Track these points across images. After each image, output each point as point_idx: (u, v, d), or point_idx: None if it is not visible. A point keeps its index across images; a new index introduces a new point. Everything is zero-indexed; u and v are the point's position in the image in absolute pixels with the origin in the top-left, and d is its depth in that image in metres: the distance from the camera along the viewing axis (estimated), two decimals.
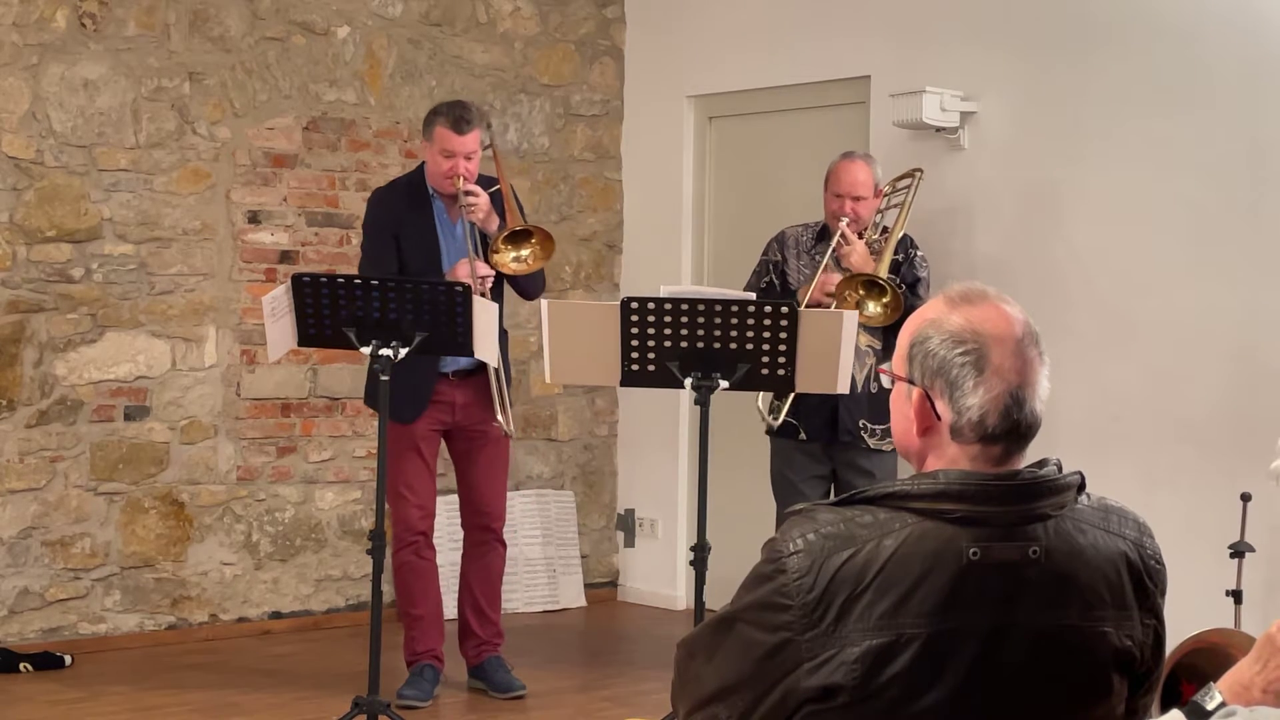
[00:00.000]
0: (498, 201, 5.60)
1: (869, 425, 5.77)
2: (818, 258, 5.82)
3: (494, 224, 5.56)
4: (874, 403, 5.72)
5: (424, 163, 5.71)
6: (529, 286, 5.74)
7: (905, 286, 5.77)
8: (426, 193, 5.67)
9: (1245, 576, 4.91)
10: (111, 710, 5.56)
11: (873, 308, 5.52)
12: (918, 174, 6.09)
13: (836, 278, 5.65)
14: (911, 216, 6.52)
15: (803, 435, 5.79)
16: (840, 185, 5.78)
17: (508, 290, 5.75)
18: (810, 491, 5.79)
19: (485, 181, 5.63)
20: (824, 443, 5.81)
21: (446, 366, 5.59)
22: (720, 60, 7.38)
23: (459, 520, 5.97)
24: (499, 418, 5.59)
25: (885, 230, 5.90)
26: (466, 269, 5.48)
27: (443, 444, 5.79)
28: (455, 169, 5.52)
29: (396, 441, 5.58)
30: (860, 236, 5.78)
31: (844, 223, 5.72)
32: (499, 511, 5.81)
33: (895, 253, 5.78)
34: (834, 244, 5.73)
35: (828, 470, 5.86)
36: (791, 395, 5.66)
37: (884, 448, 5.80)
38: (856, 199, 5.75)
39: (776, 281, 5.87)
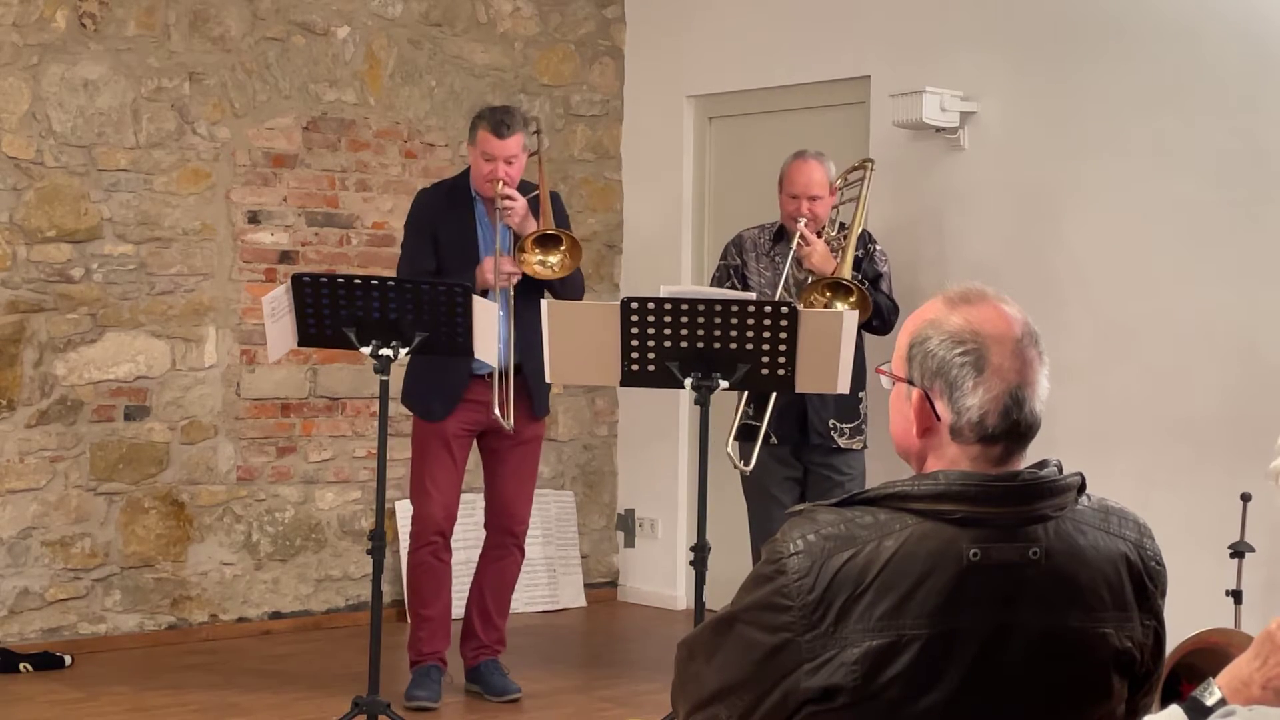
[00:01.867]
0: (535, 207, 5.62)
1: (838, 425, 5.76)
2: (777, 259, 5.80)
3: (529, 228, 5.58)
4: (842, 403, 5.71)
5: (469, 168, 5.74)
6: (564, 292, 5.71)
7: (868, 283, 5.76)
8: (469, 194, 5.71)
9: (1245, 576, 4.91)
10: (111, 710, 5.56)
11: (840, 309, 5.51)
12: (869, 164, 6.03)
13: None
14: (911, 217, 6.52)
15: (774, 440, 5.76)
16: (795, 186, 5.74)
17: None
18: (782, 494, 5.78)
19: (526, 188, 5.66)
20: (794, 445, 5.80)
21: (481, 369, 5.57)
22: (720, 60, 7.38)
23: (475, 520, 5.97)
24: (495, 411, 5.56)
25: (844, 227, 5.88)
26: (491, 264, 5.51)
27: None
28: (495, 173, 5.54)
29: (428, 437, 5.61)
30: (819, 235, 5.76)
31: (801, 223, 5.70)
32: (523, 517, 5.82)
33: (855, 249, 5.76)
34: (794, 245, 5.71)
35: (799, 472, 5.84)
36: (760, 435, 5.66)
37: (854, 446, 5.80)
38: (812, 199, 5.72)
39: (738, 285, 5.82)
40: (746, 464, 5.72)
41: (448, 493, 5.67)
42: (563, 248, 5.56)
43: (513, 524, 5.79)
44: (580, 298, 5.80)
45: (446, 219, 5.67)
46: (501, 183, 5.53)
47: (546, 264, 5.56)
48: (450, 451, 5.65)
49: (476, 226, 5.66)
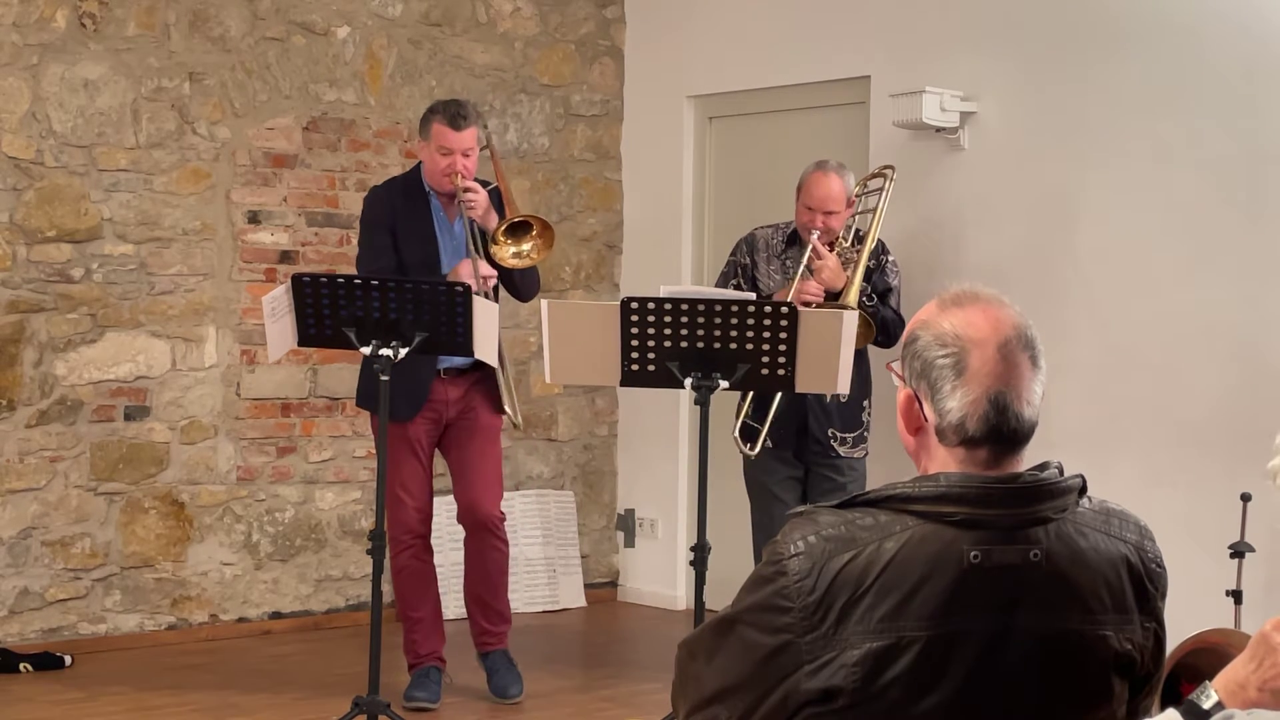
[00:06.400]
0: (496, 199, 5.61)
1: (838, 434, 5.75)
2: (788, 263, 5.77)
3: (493, 221, 5.55)
4: (843, 412, 5.70)
5: (420, 163, 5.72)
6: (524, 288, 5.73)
7: (876, 295, 5.74)
8: (423, 190, 5.68)
9: (1245, 576, 4.91)
10: (111, 710, 5.56)
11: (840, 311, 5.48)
12: (889, 173, 5.99)
13: (812, 285, 5.61)
14: (911, 217, 6.52)
15: (769, 443, 5.72)
16: (812, 200, 5.67)
17: (502, 293, 5.74)
18: (784, 494, 5.77)
19: (481, 183, 5.64)
20: (794, 450, 5.79)
21: (440, 363, 5.58)
22: (720, 60, 7.38)
23: (456, 518, 5.96)
24: (508, 409, 5.57)
25: (859, 235, 5.85)
26: (469, 269, 5.48)
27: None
28: (453, 166, 5.52)
29: (394, 443, 5.56)
30: (832, 247, 5.73)
31: (814, 236, 5.67)
32: (492, 504, 5.74)
33: (867, 260, 5.73)
34: (806, 257, 5.68)
35: (800, 472, 5.83)
36: (769, 420, 5.65)
37: (855, 454, 5.79)
38: (828, 213, 5.66)
39: (745, 285, 5.79)
40: (752, 449, 5.70)
41: (421, 497, 5.67)
42: (534, 233, 5.54)
43: (487, 519, 5.74)
44: (537, 286, 5.80)
45: (404, 216, 5.63)
46: (460, 175, 5.51)
47: (522, 254, 5.54)
48: (416, 455, 5.64)
49: (434, 223, 5.65)
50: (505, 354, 5.80)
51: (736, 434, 5.73)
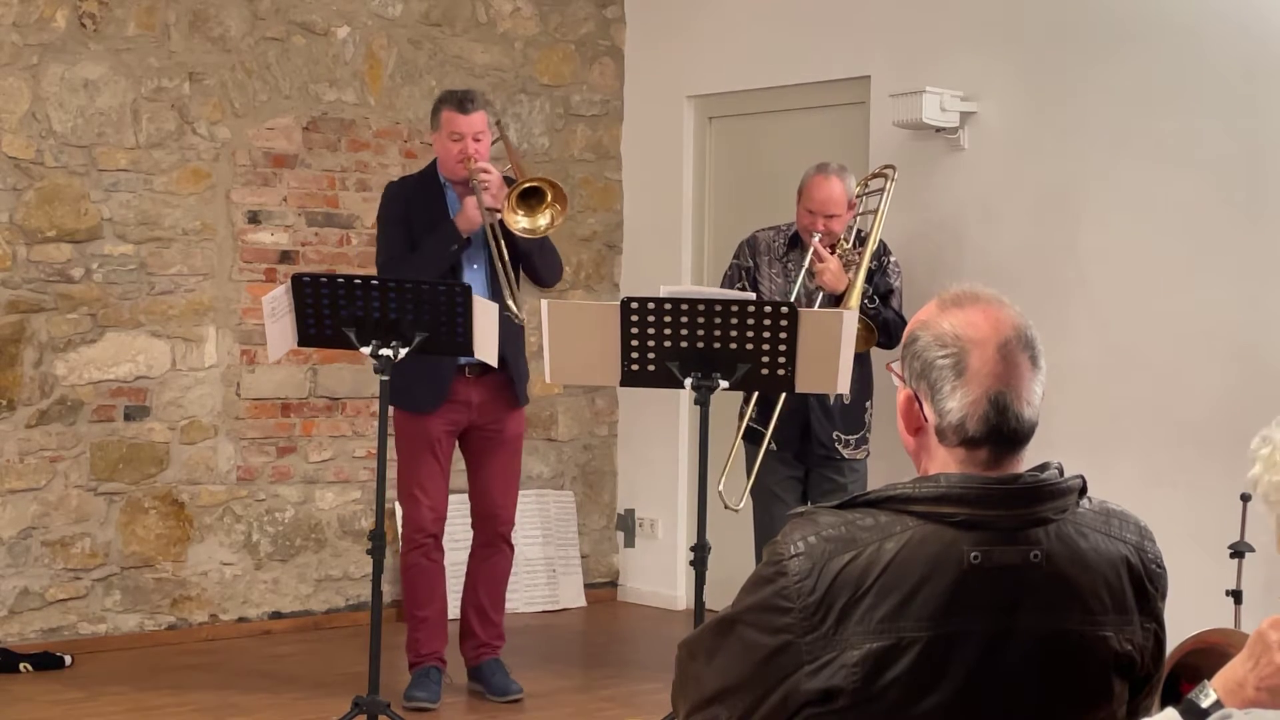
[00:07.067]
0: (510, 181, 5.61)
1: (842, 436, 5.75)
2: (790, 267, 5.77)
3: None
4: (846, 414, 5.70)
5: (435, 160, 5.73)
6: (545, 270, 5.70)
7: (878, 297, 5.73)
8: (438, 183, 5.70)
9: (1245, 576, 4.90)
10: (111, 710, 5.56)
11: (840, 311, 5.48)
12: (890, 172, 5.98)
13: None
14: (911, 216, 6.52)
15: (773, 446, 5.72)
16: (813, 203, 5.67)
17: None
18: (785, 494, 5.77)
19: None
20: (796, 452, 5.79)
21: (462, 359, 5.56)
22: (720, 60, 7.38)
23: (463, 520, 5.96)
24: (511, 305, 5.52)
25: (860, 237, 5.84)
26: (474, 202, 5.48)
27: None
28: (465, 150, 5.54)
29: (413, 440, 5.60)
30: (833, 250, 5.72)
31: (816, 238, 5.66)
32: (509, 515, 5.81)
33: (869, 261, 5.72)
34: (807, 261, 5.67)
35: (801, 472, 5.83)
36: (752, 477, 5.66)
37: (857, 456, 5.79)
38: (829, 216, 5.65)
39: (748, 287, 5.77)
40: (738, 501, 5.69)
41: (436, 496, 5.68)
42: (549, 199, 5.52)
43: (499, 524, 5.77)
44: (559, 267, 5.79)
45: (419, 209, 5.65)
46: (473, 159, 5.52)
47: (537, 229, 5.53)
48: (435, 454, 5.65)
49: (449, 215, 5.64)
50: (524, 356, 5.80)
51: (722, 487, 5.64)
